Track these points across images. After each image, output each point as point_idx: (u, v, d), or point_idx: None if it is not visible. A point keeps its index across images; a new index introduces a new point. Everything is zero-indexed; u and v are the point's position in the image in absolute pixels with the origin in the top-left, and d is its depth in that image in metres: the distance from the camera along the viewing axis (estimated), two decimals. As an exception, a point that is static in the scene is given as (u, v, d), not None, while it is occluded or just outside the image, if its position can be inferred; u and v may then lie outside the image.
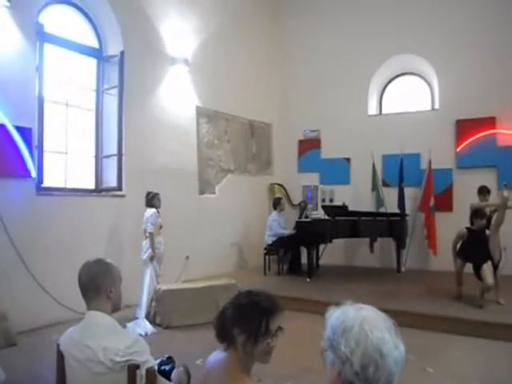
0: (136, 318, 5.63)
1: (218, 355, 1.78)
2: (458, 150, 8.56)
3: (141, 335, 5.04)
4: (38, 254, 5.48)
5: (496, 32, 8.20)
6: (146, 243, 5.92)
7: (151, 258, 5.89)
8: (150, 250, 5.84)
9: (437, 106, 8.97)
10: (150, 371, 1.73)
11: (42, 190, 5.68)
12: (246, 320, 1.70)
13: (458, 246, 6.29)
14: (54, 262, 5.57)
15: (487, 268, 5.74)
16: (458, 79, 8.48)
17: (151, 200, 6.09)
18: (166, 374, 1.92)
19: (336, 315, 1.31)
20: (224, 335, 1.74)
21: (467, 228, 6.09)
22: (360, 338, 1.21)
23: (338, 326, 1.28)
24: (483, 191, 6.69)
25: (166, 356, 2.13)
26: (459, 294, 6.22)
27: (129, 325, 5.41)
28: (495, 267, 5.84)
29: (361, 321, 1.25)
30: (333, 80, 9.70)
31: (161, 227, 6.10)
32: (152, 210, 6.00)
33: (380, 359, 1.18)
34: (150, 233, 5.84)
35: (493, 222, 6.04)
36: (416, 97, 9.44)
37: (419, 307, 5.82)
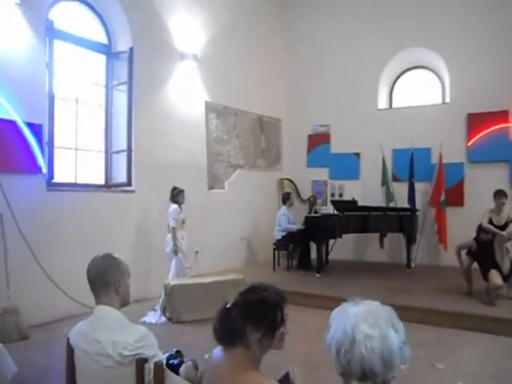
0: (154, 310, 5.88)
1: (222, 353, 1.78)
2: (470, 144, 8.47)
3: (151, 323, 5.43)
4: (49, 249, 5.53)
5: (508, 25, 8.07)
6: (169, 237, 6.29)
7: (175, 252, 6.22)
8: (172, 244, 6.20)
9: (448, 100, 8.88)
10: (158, 365, 1.73)
11: (52, 186, 5.73)
12: (260, 316, 1.72)
13: (465, 251, 6.26)
14: (64, 257, 5.62)
15: (495, 272, 5.66)
16: (470, 72, 8.38)
17: (176, 196, 6.38)
18: (175, 368, 1.93)
19: (337, 309, 1.35)
20: (231, 335, 1.73)
21: (475, 239, 6.04)
22: (338, 326, 1.30)
23: (331, 319, 1.36)
24: (499, 194, 6.13)
25: (175, 350, 2.14)
26: (469, 289, 6.18)
27: (149, 313, 5.81)
28: (505, 278, 5.74)
29: (352, 312, 1.29)
30: (342, 74, 9.64)
31: (183, 222, 6.40)
32: (174, 206, 6.32)
33: (350, 345, 1.25)
34: (173, 227, 6.20)
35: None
36: (427, 91, 9.35)
37: (429, 303, 5.79)
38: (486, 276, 5.77)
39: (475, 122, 8.37)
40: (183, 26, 7.64)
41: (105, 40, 6.82)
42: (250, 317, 1.72)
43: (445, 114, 8.66)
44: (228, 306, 1.80)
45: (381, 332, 1.23)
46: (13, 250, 5.13)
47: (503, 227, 5.85)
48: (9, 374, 2.62)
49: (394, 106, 9.72)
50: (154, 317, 5.71)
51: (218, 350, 1.81)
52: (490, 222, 5.91)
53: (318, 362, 3.95)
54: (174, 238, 6.21)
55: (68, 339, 2.03)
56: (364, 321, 1.26)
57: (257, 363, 1.74)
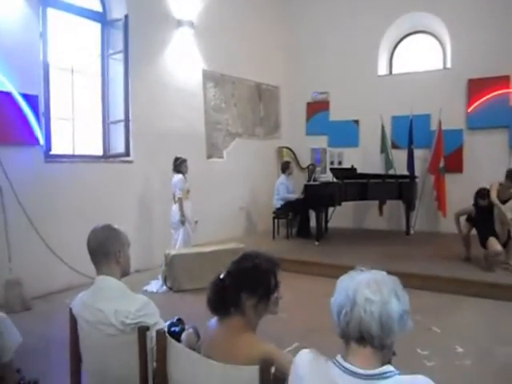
0: (157, 279, 5.94)
1: (218, 323, 1.82)
2: (470, 110, 8.39)
3: (152, 292, 5.53)
4: (49, 221, 5.56)
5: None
6: (175, 208, 6.29)
7: (182, 222, 6.25)
8: (179, 214, 6.21)
9: (449, 65, 8.75)
10: (160, 333, 1.76)
11: (50, 158, 5.71)
12: (254, 283, 1.77)
13: (464, 217, 6.28)
14: (64, 228, 5.65)
15: (493, 239, 5.69)
16: (472, 37, 8.22)
17: (179, 166, 6.36)
18: (176, 336, 1.96)
19: (343, 276, 1.37)
20: (225, 304, 1.77)
21: (474, 205, 6.04)
22: (340, 291, 1.33)
23: (337, 285, 1.37)
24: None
25: (176, 318, 2.17)
26: (468, 256, 6.25)
27: (152, 282, 5.88)
28: (503, 245, 5.77)
29: (356, 280, 1.32)
30: (341, 40, 9.47)
31: (188, 192, 6.39)
32: (179, 176, 6.30)
33: (350, 308, 1.28)
34: (179, 198, 6.21)
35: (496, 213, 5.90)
36: (427, 56, 9.20)
37: (428, 269, 5.86)
38: (484, 243, 5.82)
39: (475, 87, 8.27)
40: (178, -9, 7.46)
41: (99, 8, 6.66)
42: (245, 284, 1.77)
43: (445, 80, 8.55)
44: (221, 276, 1.83)
45: (382, 298, 1.26)
46: (13, 222, 5.15)
47: (506, 201, 5.85)
48: (14, 344, 2.66)
49: (394, 72, 9.58)
50: (155, 286, 5.80)
51: (213, 321, 1.85)
52: (497, 195, 5.88)
53: (315, 327, 4.04)
54: (181, 209, 6.22)
55: (70, 309, 2.06)
56: (367, 286, 1.28)
57: (252, 328, 1.79)
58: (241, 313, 1.76)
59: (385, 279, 1.32)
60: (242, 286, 1.76)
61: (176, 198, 6.25)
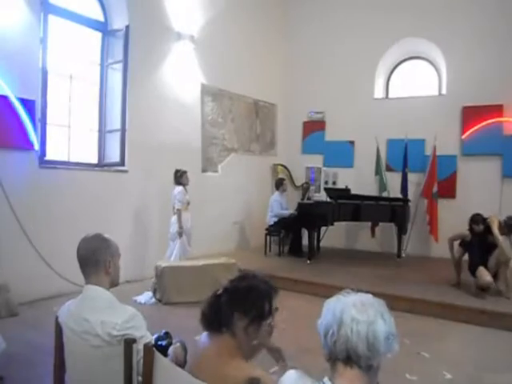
0: (149, 290, 5.89)
1: (208, 340, 1.78)
2: (464, 136, 8.47)
3: (140, 303, 5.49)
4: (40, 227, 5.51)
5: (507, 19, 8.02)
6: (174, 219, 6.37)
7: (180, 234, 6.31)
8: (177, 226, 6.28)
9: (444, 92, 8.86)
10: (148, 347, 1.73)
11: (44, 163, 5.68)
12: (247, 304, 1.72)
13: (457, 242, 6.29)
14: (55, 235, 5.60)
15: (483, 269, 5.68)
16: (467, 65, 8.35)
17: (179, 178, 6.46)
18: (163, 350, 1.93)
19: (330, 299, 1.38)
20: (218, 321, 1.74)
21: (469, 230, 6.05)
22: (327, 312, 1.34)
23: (324, 308, 1.38)
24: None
25: (164, 331, 2.13)
26: (458, 281, 6.24)
27: (145, 293, 5.81)
28: (494, 274, 5.75)
29: (342, 300, 1.34)
30: (339, 62, 9.58)
31: (188, 204, 6.47)
32: (179, 188, 6.39)
33: (337, 328, 1.28)
34: (178, 209, 6.27)
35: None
36: (423, 82, 9.31)
37: (417, 293, 5.83)
38: (473, 270, 5.82)
39: (470, 114, 8.36)
40: (180, 5, 7.53)
41: (101, 17, 6.71)
42: (238, 304, 1.73)
43: (440, 106, 8.65)
44: (218, 292, 1.80)
45: (368, 318, 1.27)
46: (3, 227, 5.10)
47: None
48: (-3, 350, 2.62)
49: (390, 95, 9.68)
50: (145, 297, 5.73)
51: (204, 337, 1.81)
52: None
53: (306, 347, 3.99)
54: (179, 220, 6.27)
55: (57, 317, 2.03)
56: (353, 306, 1.29)
57: (243, 353, 1.73)
58: (232, 333, 1.72)
59: (371, 301, 1.33)
60: (235, 306, 1.72)
61: (175, 210, 6.31)
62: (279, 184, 8.62)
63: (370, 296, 1.35)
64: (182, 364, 1.92)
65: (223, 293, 1.78)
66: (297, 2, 10.10)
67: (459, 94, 8.40)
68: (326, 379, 1.30)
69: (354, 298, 1.32)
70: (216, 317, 1.75)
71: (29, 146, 5.40)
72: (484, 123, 8.26)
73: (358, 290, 1.39)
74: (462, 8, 8.40)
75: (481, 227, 5.88)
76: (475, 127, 8.35)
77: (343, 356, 1.27)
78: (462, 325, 5.09)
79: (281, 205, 8.43)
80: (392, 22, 9.00)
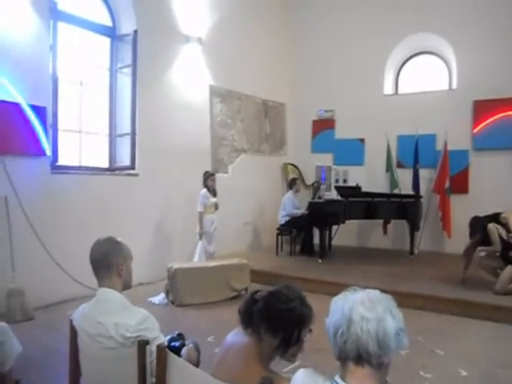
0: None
1: (238, 337, 1.81)
2: (475, 131, 8.40)
3: (154, 304, 5.57)
4: (54, 232, 5.57)
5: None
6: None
7: (200, 236, 6.44)
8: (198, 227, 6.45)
9: (454, 86, 8.79)
10: (161, 348, 1.75)
11: (56, 169, 5.74)
12: (277, 325, 1.72)
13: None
14: (68, 239, 5.66)
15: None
16: (477, 58, 8.28)
17: (205, 180, 6.61)
18: (176, 351, 1.95)
19: (338, 297, 1.38)
20: (249, 324, 1.77)
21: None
22: (336, 309, 1.33)
23: (332, 305, 1.38)
24: None
25: (177, 332, 2.16)
26: (464, 278, 6.15)
27: (161, 294, 5.81)
28: None
29: (350, 298, 1.33)
30: (348, 59, 9.55)
31: (216, 207, 6.65)
32: (203, 191, 6.53)
33: (346, 326, 1.28)
34: (199, 212, 6.42)
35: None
36: (433, 77, 9.26)
37: (431, 290, 5.81)
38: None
39: (481, 109, 8.29)
40: (188, 8, 7.56)
41: (109, 22, 6.76)
42: (268, 321, 1.73)
43: (451, 101, 8.58)
44: (257, 296, 1.81)
45: (377, 315, 1.26)
46: (18, 232, 5.17)
47: None
48: (14, 353, 2.66)
49: (399, 91, 9.63)
50: (159, 298, 5.78)
51: (233, 334, 1.85)
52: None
53: (317, 346, 3.98)
54: (200, 222, 6.41)
55: (71, 321, 2.06)
56: (361, 304, 1.29)
57: (264, 358, 1.74)
58: (257, 339, 1.74)
59: (378, 297, 1.33)
60: (265, 322, 1.73)
61: (197, 212, 6.47)
62: (292, 184, 8.63)
63: (377, 292, 1.35)
64: (195, 365, 1.94)
65: (260, 299, 1.78)
66: (304, 2, 10.07)
67: (470, 88, 8.33)
68: (337, 377, 1.31)
69: (361, 295, 1.32)
70: (248, 318, 1.78)
71: (41, 152, 5.46)
72: (496, 117, 8.19)
73: (365, 287, 1.39)
74: (470, 1, 8.33)
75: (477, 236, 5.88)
76: (487, 121, 8.28)
77: (354, 355, 1.27)
78: (476, 321, 5.05)
79: (293, 204, 8.43)
80: (400, 17, 8.96)
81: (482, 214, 6.18)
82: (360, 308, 1.27)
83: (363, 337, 1.24)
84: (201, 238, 6.46)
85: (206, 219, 6.51)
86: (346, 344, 1.27)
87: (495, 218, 5.89)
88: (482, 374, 3.72)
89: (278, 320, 1.72)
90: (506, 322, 4.91)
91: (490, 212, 6.13)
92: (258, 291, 1.85)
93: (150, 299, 5.73)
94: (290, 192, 8.56)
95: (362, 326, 1.25)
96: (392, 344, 1.26)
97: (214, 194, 6.71)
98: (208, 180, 6.58)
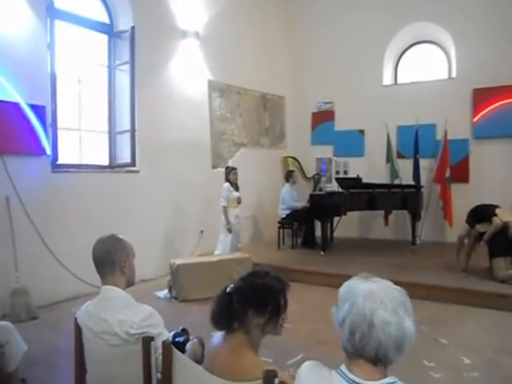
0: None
1: (221, 339, 1.80)
2: (475, 119, 8.38)
3: (159, 298, 5.67)
4: (56, 230, 5.59)
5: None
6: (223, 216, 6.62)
7: (229, 230, 6.53)
8: (224, 221, 6.54)
9: (454, 75, 8.76)
10: (166, 344, 1.75)
11: (57, 167, 5.74)
12: (264, 302, 1.75)
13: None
14: (71, 238, 5.67)
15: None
16: (476, 47, 8.24)
17: (227, 175, 6.75)
18: (180, 346, 1.96)
19: (348, 283, 1.36)
20: (230, 319, 1.76)
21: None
22: (353, 307, 1.28)
23: (343, 294, 1.35)
24: None
25: (181, 328, 2.17)
26: (465, 267, 6.19)
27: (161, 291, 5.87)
28: None
29: (365, 292, 1.29)
30: (347, 50, 9.52)
31: (239, 201, 6.73)
32: (225, 185, 6.64)
33: (367, 329, 1.24)
34: (223, 206, 6.52)
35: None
36: (432, 66, 9.22)
37: (433, 279, 5.83)
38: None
39: (481, 97, 8.27)
40: (184, 3, 7.53)
41: (106, 19, 6.74)
42: (254, 301, 1.74)
43: (450, 90, 8.55)
44: (228, 290, 1.81)
45: (398, 319, 1.24)
46: (20, 232, 5.18)
47: None
48: (19, 352, 2.68)
49: (399, 81, 9.60)
50: (163, 293, 5.84)
51: (217, 336, 1.83)
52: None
53: (322, 339, 4.01)
54: (226, 216, 6.49)
55: (75, 319, 2.07)
56: (381, 304, 1.26)
57: (256, 347, 1.77)
58: (245, 330, 1.74)
59: (396, 294, 1.30)
60: (251, 304, 1.74)
61: (221, 206, 6.57)
62: (289, 176, 8.63)
63: (390, 284, 1.33)
64: (199, 360, 1.95)
65: (235, 291, 1.79)
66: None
67: (469, 77, 8.31)
68: (342, 367, 1.31)
69: (377, 291, 1.29)
70: (227, 315, 1.76)
71: (41, 151, 5.47)
72: (495, 105, 8.17)
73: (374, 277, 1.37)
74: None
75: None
76: (486, 109, 8.25)
77: (371, 356, 1.25)
78: (479, 310, 5.06)
79: (292, 197, 8.43)
80: (398, 7, 8.94)
81: (482, 202, 6.22)
82: (381, 311, 1.24)
83: (385, 342, 1.23)
84: (230, 231, 6.54)
85: (230, 213, 6.59)
86: (366, 347, 1.25)
87: (487, 212, 5.94)
88: (485, 362, 3.74)
89: (264, 293, 1.75)
90: (510, 310, 4.92)
91: (490, 201, 6.18)
92: (221, 291, 1.83)
93: (156, 293, 5.80)
94: (287, 185, 8.57)
95: (384, 330, 1.23)
96: (408, 345, 1.26)
97: (237, 189, 6.78)
98: (230, 174, 6.68)
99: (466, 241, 6.31)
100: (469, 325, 4.71)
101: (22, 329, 2.85)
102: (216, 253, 6.60)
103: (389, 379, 1.25)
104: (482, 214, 6.02)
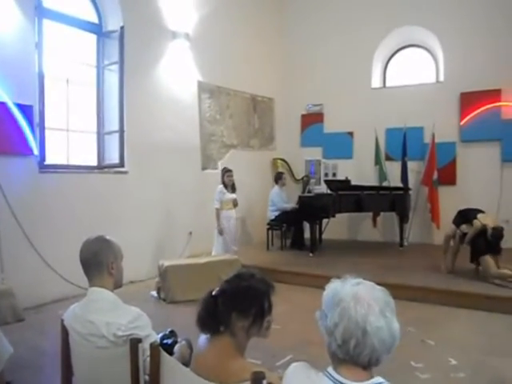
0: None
1: (207, 342, 1.79)
2: (462, 123, 8.47)
3: (152, 296, 5.70)
4: (43, 231, 5.53)
5: (503, 4, 8.01)
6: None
7: (220, 232, 6.53)
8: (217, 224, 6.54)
9: (441, 79, 8.84)
10: (154, 346, 1.74)
11: (44, 168, 5.69)
12: (247, 304, 1.74)
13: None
14: (58, 239, 5.62)
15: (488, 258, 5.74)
16: (464, 51, 8.33)
17: (222, 177, 6.73)
18: (168, 348, 1.95)
19: (332, 287, 1.35)
20: (215, 322, 1.75)
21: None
22: (344, 314, 1.26)
23: (329, 299, 1.33)
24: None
25: (169, 330, 2.16)
26: (451, 269, 6.27)
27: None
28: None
29: (351, 296, 1.29)
30: (336, 53, 9.56)
31: (234, 203, 6.72)
32: (219, 187, 6.64)
33: (362, 336, 1.23)
34: (216, 208, 6.53)
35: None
36: (420, 69, 9.30)
37: (420, 281, 5.87)
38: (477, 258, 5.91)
39: (468, 101, 8.35)
40: (174, 4, 7.51)
41: (95, 19, 6.70)
42: (238, 304, 1.74)
43: (438, 93, 8.63)
44: (214, 293, 1.80)
45: (386, 321, 1.25)
46: (6, 233, 5.13)
47: None
48: (5, 355, 2.64)
49: (387, 84, 9.67)
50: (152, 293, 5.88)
51: (203, 339, 1.82)
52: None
53: (310, 340, 4.01)
54: (217, 219, 6.49)
55: (62, 321, 2.05)
56: (371, 310, 1.25)
57: (242, 350, 1.76)
58: (230, 333, 1.73)
59: (379, 295, 1.30)
60: (235, 306, 1.73)
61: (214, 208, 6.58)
62: (278, 178, 8.64)
63: (375, 287, 1.33)
64: (188, 362, 1.94)
65: (220, 293, 1.78)
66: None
67: (457, 81, 8.39)
68: (330, 368, 1.31)
69: (366, 298, 1.28)
70: (213, 318, 1.75)
71: (28, 151, 5.42)
72: (482, 108, 8.26)
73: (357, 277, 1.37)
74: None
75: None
76: (473, 113, 8.34)
77: (364, 362, 1.25)
78: (466, 311, 5.10)
79: (282, 198, 8.45)
80: (387, 10, 9.00)
81: (469, 206, 6.33)
82: (371, 317, 1.24)
83: (379, 348, 1.23)
84: (221, 233, 6.53)
85: (222, 215, 6.58)
86: (360, 355, 1.24)
87: (471, 215, 6.05)
88: (471, 363, 3.77)
89: (248, 295, 1.75)
90: (497, 311, 4.98)
91: (477, 203, 6.29)
92: (207, 293, 1.83)
93: (151, 292, 5.85)
94: (277, 186, 8.57)
95: (378, 336, 1.23)
96: (396, 344, 1.27)
97: (233, 190, 6.76)
98: (224, 176, 6.68)
99: (451, 242, 6.38)
100: (456, 326, 4.75)
101: (7, 331, 2.82)
102: (212, 254, 6.63)
103: (375, 380, 1.25)
104: (466, 215, 6.15)
